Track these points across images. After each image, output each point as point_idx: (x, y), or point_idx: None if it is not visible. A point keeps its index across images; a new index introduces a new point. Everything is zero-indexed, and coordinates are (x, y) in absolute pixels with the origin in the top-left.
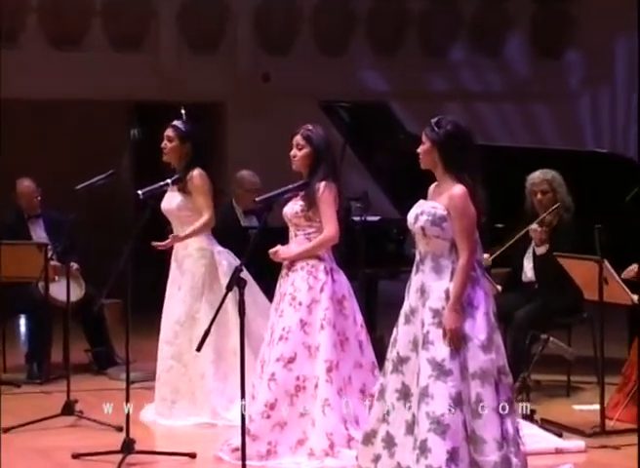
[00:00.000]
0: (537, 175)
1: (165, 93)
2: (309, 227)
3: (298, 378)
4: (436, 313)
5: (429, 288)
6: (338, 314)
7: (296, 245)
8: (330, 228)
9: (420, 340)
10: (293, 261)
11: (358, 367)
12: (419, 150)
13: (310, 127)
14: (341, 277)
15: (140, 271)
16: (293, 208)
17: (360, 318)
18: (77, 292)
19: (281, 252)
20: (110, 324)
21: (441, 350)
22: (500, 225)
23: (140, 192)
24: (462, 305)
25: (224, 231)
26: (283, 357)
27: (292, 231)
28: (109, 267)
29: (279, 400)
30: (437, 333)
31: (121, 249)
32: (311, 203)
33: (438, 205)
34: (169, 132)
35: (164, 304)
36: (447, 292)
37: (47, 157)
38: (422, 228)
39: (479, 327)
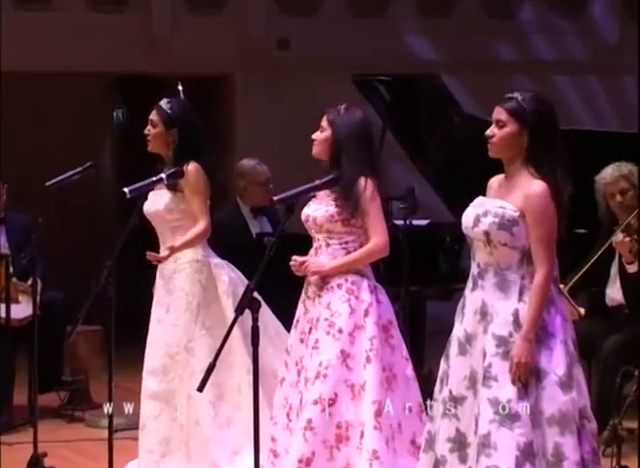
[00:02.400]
0: (608, 173)
1: (157, 63)
2: (347, 234)
3: (339, 426)
4: (502, 341)
5: (493, 309)
6: (384, 344)
7: (328, 257)
8: (380, 236)
9: (481, 375)
10: (325, 278)
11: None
12: (490, 133)
13: (342, 108)
14: (386, 297)
15: (124, 290)
16: (326, 210)
17: (405, 348)
18: (27, 310)
19: (312, 264)
20: (87, 357)
21: (506, 388)
22: (581, 231)
23: (126, 190)
24: (537, 333)
25: (231, 239)
26: (321, 399)
27: (319, 240)
28: (87, 285)
29: (317, 453)
30: (502, 367)
31: (102, 262)
32: (355, 203)
33: (507, 204)
34: (152, 114)
35: (149, 331)
36: (515, 313)
37: (7, 145)
38: (487, 233)
39: (557, 359)
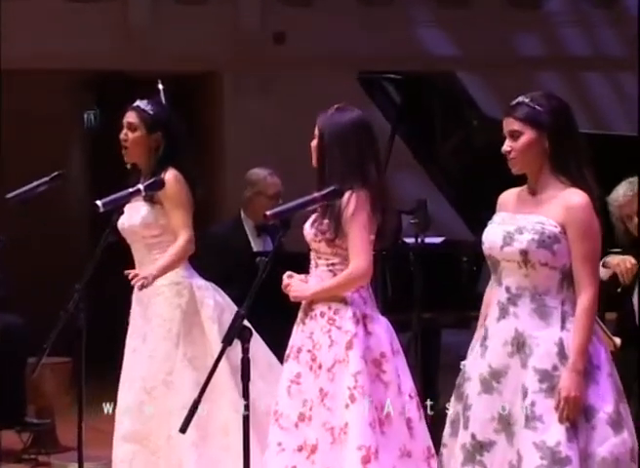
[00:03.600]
0: (621, 194)
1: (135, 59)
2: (334, 256)
3: None
4: (545, 375)
5: (532, 339)
6: (374, 381)
7: (316, 279)
8: (359, 260)
9: (519, 416)
10: (311, 303)
11: (406, 456)
12: (506, 148)
13: (333, 109)
14: (380, 327)
15: (96, 317)
16: (310, 227)
17: (409, 385)
18: None
19: (293, 287)
20: (54, 393)
21: (555, 429)
22: (616, 250)
23: (99, 203)
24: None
25: (228, 257)
26: (306, 445)
27: (312, 259)
28: (54, 310)
29: None
30: (547, 405)
31: (71, 285)
32: (335, 222)
33: (545, 219)
34: (130, 116)
35: (123, 363)
36: (560, 344)
37: None
38: (524, 252)
39: (604, 395)
